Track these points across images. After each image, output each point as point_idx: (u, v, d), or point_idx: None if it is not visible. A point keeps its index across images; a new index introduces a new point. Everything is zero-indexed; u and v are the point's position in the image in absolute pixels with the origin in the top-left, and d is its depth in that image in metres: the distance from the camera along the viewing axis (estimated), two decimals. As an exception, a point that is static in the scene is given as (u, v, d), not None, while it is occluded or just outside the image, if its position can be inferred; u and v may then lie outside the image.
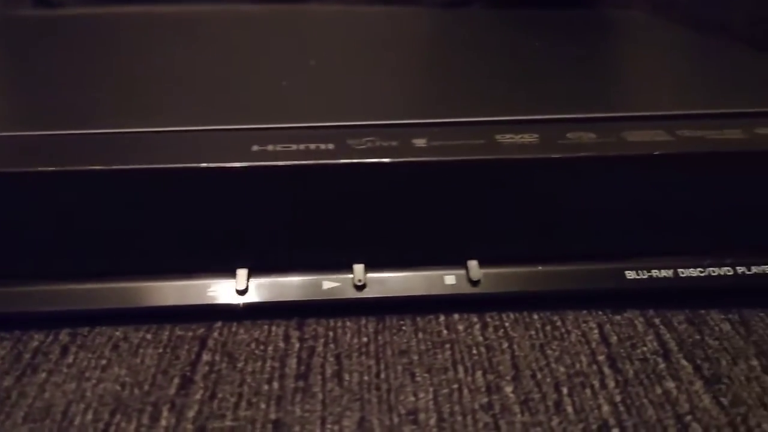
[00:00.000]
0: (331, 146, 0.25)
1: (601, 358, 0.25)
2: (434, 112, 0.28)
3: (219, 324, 0.26)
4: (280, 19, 0.51)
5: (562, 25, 0.48)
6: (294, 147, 0.25)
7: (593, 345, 0.26)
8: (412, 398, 0.23)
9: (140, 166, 0.24)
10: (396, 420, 0.22)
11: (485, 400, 0.23)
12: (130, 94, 0.32)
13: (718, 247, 0.27)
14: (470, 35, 0.45)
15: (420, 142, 0.26)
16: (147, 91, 0.32)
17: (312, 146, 0.25)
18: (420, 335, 0.26)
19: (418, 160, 0.25)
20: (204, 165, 0.25)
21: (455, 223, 0.26)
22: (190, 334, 0.26)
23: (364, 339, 0.25)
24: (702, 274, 0.27)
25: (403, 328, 0.26)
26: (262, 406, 0.22)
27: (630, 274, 0.27)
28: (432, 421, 0.22)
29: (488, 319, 0.27)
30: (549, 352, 0.25)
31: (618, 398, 0.23)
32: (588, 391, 0.23)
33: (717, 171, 0.26)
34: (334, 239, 0.26)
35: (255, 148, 0.25)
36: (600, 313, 0.27)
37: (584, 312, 0.27)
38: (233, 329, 0.26)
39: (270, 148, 0.25)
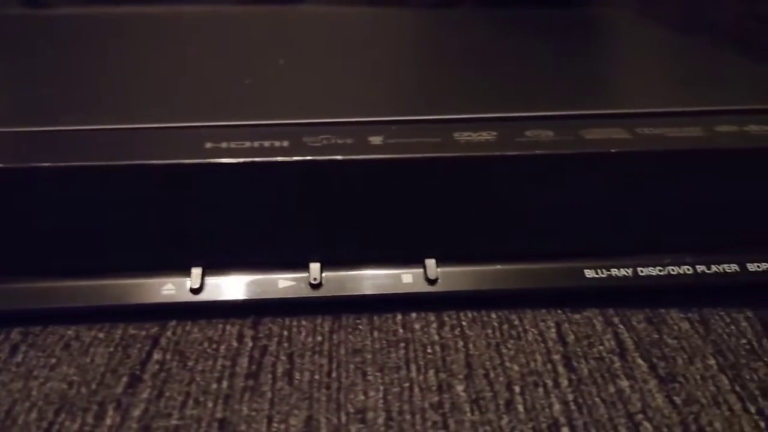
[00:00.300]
0: (285, 143, 0.25)
1: (556, 357, 0.25)
2: (393, 110, 0.28)
3: (173, 323, 0.26)
4: (262, 21, 0.51)
5: (543, 24, 0.48)
6: (248, 144, 0.25)
7: (549, 344, 0.25)
8: (362, 397, 0.23)
9: (92, 164, 0.24)
10: (344, 419, 0.22)
11: (435, 398, 0.23)
12: (90, 93, 0.32)
13: (678, 246, 0.27)
14: (446, 35, 0.45)
15: (376, 140, 0.26)
16: (108, 89, 0.32)
17: (266, 143, 0.25)
18: (375, 334, 0.26)
19: (371, 158, 0.25)
20: (156, 162, 0.24)
21: (412, 222, 0.26)
22: (143, 332, 0.25)
23: (319, 338, 0.25)
24: (661, 273, 0.27)
25: (359, 327, 0.26)
26: (209, 405, 0.22)
27: (589, 273, 0.27)
28: (380, 420, 0.22)
29: (446, 318, 0.26)
30: (504, 350, 0.25)
31: (570, 397, 0.23)
32: (540, 390, 0.23)
33: (676, 169, 0.26)
34: (289, 237, 0.26)
35: (208, 145, 0.25)
36: (559, 311, 0.27)
37: (543, 311, 0.27)
38: (187, 328, 0.26)
39: (224, 145, 0.25)
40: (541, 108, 0.28)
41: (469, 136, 0.26)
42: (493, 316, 0.27)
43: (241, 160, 0.24)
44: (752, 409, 0.23)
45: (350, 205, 0.25)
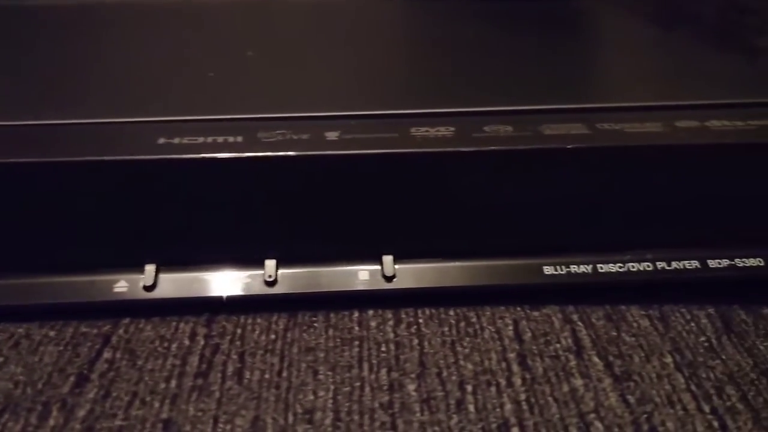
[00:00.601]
0: (239, 139, 0.25)
1: (511, 355, 0.25)
2: (353, 105, 0.28)
3: (127, 321, 0.26)
4: (243, 11, 0.50)
5: (525, 17, 0.47)
6: (201, 140, 0.25)
7: (506, 342, 0.25)
8: (311, 397, 0.22)
9: (40, 160, 0.24)
10: (291, 419, 0.22)
11: (386, 398, 0.22)
12: (42, 87, 0.31)
13: (639, 243, 0.27)
14: (424, 28, 0.44)
15: (332, 135, 0.25)
16: (62, 83, 0.31)
17: (220, 139, 0.25)
18: (330, 332, 0.25)
19: (324, 154, 0.24)
20: (107, 158, 0.24)
21: (369, 218, 0.26)
22: (96, 331, 0.25)
23: (272, 336, 0.25)
24: (621, 270, 0.27)
25: (315, 324, 0.26)
26: (156, 405, 0.22)
27: (548, 270, 0.27)
28: (328, 421, 0.22)
29: (403, 315, 0.26)
30: (459, 349, 0.25)
31: (523, 396, 0.23)
32: (493, 389, 0.23)
33: (635, 165, 0.26)
34: (244, 234, 0.25)
35: (161, 140, 0.25)
36: (518, 309, 0.27)
37: (502, 308, 0.27)
38: (140, 326, 0.25)
39: (176, 141, 0.25)
40: (503, 103, 0.28)
41: (427, 131, 0.26)
42: (451, 313, 0.26)
43: (192, 156, 0.24)
44: (706, 409, 0.23)
45: (305, 202, 0.25)
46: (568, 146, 0.25)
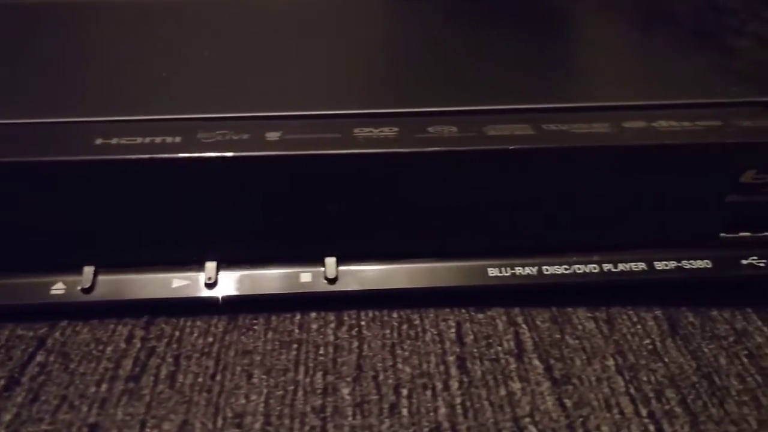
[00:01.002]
0: (178, 139, 0.25)
1: (451, 358, 0.24)
2: (297, 105, 0.27)
3: (64, 323, 0.25)
4: (213, 7, 0.49)
5: (477, 15, 0.47)
6: (139, 140, 0.24)
7: (447, 345, 0.25)
8: (243, 401, 0.22)
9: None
10: (220, 423, 0.21)
11: (319, 402, 0.22)
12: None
13: (585, 245, 0.27)
14: (370, 28, 0.43)
15: (273, 136, 0.25)
16: (3, 80, 0.31)
17: (158, 139, 0.24)
18: (270, 335, 0.25)
19: (261, 155, 0.24)
20: (43, 159, 0.24)
21: (312, 219, 0.25)
22: (31, 333, 0.25)
23: (210, 339, 0.25)
24: (567, 272, 0.26)
25: (255, 327, 0.25)
26: (84, 409, 0.22)
27: (492, 272, 0.26)
28: (257, 425, 0.21)
29: (345, 318, 0.26)
30: (399, 352, 0.24)
31: (458, 400, 0.22)
32: (428, 392, 0.23)
33: (581, 165, 0.25)
34: (184, 235, 0.25)
35: (98, 141, 0.24)
36: (463, 311, 0.27)
37: (447, 310, 0.27)
38: (77, 329, 0.25)
39: (114, 141, 0.24)
40: (450, 103, 0.27)
41: (371, 132, 0.25)
42: (395, 315, 0.26)
43: (127, 156, 0.24)
44: (644, 413, 0.22)
45: (245, 203, 0.25)
46: (510, 147, 0.25)
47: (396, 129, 0.26)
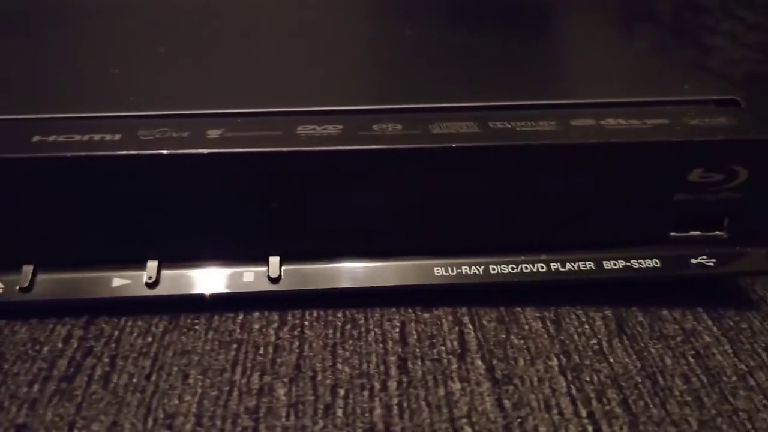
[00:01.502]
0: (117, 137, 0.24)
1: (392, 358, 0.24)
2: (241, 102, 0.27)
3: (2, 323, 0.25)
4: (169, 6, 0.49)
5: (432, 11, 0.46)
6: (77, 138, 0.24)
7: (389, 344, 0.25)
8: (176, 401, 0.22)
9: None
10: (150, 424, 0.21)
11: (253, 403, 0.22)
12: None
13: (533, 243, 0.26)
14: (323, 24, 0.43)
15: (214, 133, 0.25)
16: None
17: (97, 137, 0.24)
18: (210, 335, 0.25)
19: (197, 152, 0.24)
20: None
21: (255, 218, 0.25)
22: (-32, 333, 0.24)
23: (149, 339, 0.24)
24: (514, 271, 0.26)
25: (196, 327, 0.25)
26: (13, 409, 0.21)
27: (438, 271, 0.26)
28: (188, 426, 0.21)
29: (289, 318, 0.26)
30: (340, 352, 0.24)
31: (395, 401, 0.22)
32: (366, 393, 0.22)
33: (527, 164, 0.25)
34: (124, 234, 0.25)
35: (35, 138, 0.24)
36: (410, 310, 0.26)
37: (393, 309, 0.26)
38: (15, 328, 0.25)
39: (51, 138, 0.24)
40: (397, 101, 0.27)
41: (314, 129, 0.25)
42: (339, 315, 0.26)
43: (65, 154, 0.23)
44: (583, 413, 0.22)
45: (186, 201, 0.25)
46: (453, 145, 0.24)
47: (340, 127, 0.25)
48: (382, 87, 0.29)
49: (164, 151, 0.23)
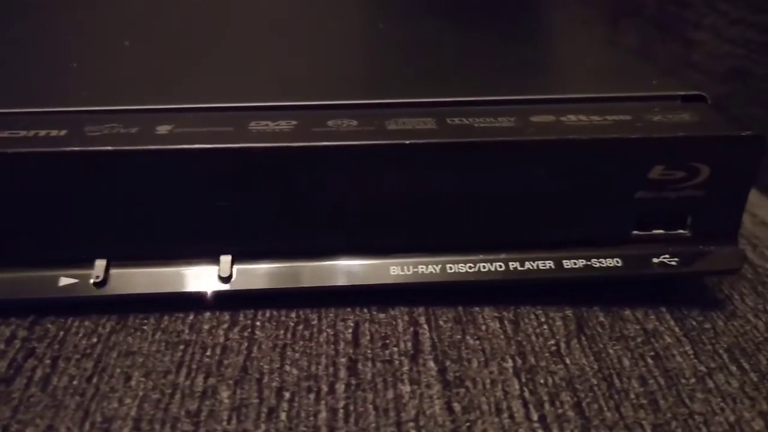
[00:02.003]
0: (63, 132, 0.24)
1: (342, 360, 0.23)
2: (194, 98, 0.26)
3: (-53, 323, 0.24)
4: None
5: (411, 8, 0.46)
6: (22, 133, 0.24)
7: (341, 345, 0.24)
8: (116, 404, 0.21)
9: None
10: (87, 428, 0.20)
11: (195, 406, 0.21)
12: None
13: (491, 242, 0.26)
14: (294, 18, 0.42)
15: (163, 129, 0.24)
16: None
17: (42, 133, 0.24)
18: (158, 335, 0.24)
19: (144, 149, 0.23)
20: None
21: (206, 216, 0.25)
22: None
23: (94, 339, 0.24)
24: (472, 270, 0.26)
25: (144, 327, 0.25)
26: (-53, 413, 0.21)
27: (394, 270, 0.25)
28: (126, 430, 0.20)
29: (241, 318, 0.25)
30: (289, 353, 0.24)
31: (341, 404, 0.22)
32: (312, 396, 0.22)
33: (485, 161, 0.25)
34: (71, 232, 0.24)
35: (-22, 134, 0.23)
36: (365, 310, 0.26)
37: (348, 309, 0.26)
38: (-41, 329, 0.24)
39: (-5, 134, 0.23)
40: (355, 96, 0.27)
41: (267, 125, 0.24)
42: (293, 315, 0.25)
43: (8, 150, 0.23)
44: (535, 417, 0.22)
45: (134, 198, 0.24)
46: (407, 142, 0.24)
47: (294, 122, 0.25)
48: (341, 82, 0.29)
49: (109, 148, 0.23)
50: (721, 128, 0.25)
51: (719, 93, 0.52)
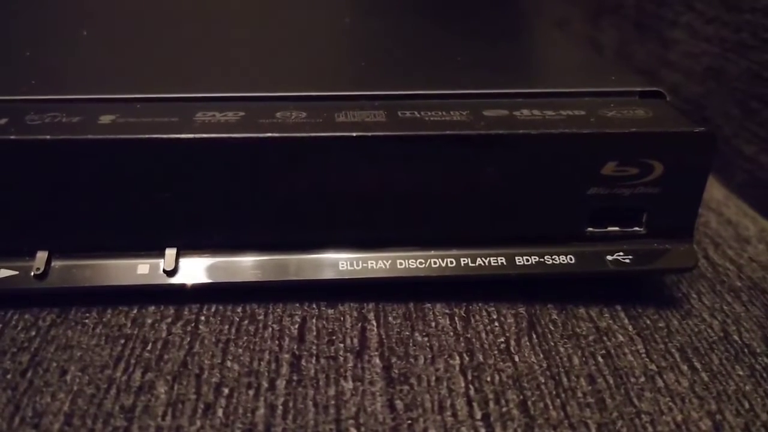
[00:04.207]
0: (3, 121, 0.23)
1: (286, 355, 0.23)
2: (142, 88, 0.26)
3: None
4: None
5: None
6: (-40, 122, 0.23)
7: (285, 341, 0.24)
8: (48, 399, 0.21)
9: None
10: (17, 423, 0.20)
11: (130, 401, 0.21)
12: None
13: (443, 237, 0.25)
14: (248, 8, 0.42)
15: (106, 119, 0.24)
16: None
17: (-18, 121, 0.23)
18: (99, 329, 0.24)
19: (84, 138, 0.22)
20: None
21: (149, 208, 0.24)
22: None
23: (33, 333, 0.23)
24: (422, 266, 0.25)
25: (86, 321, 0.24)
26: None
27: (343, 265, 0.25)
28: (56, 426, 0.20)
29: (185, 312, 0.25)
30: (232, 348, 0.23)
31: (281, 401, 0.21)
32: (251, 392, 0.21)
33: (435, 154, 0.24)
34: (11, 223, 0.24)
35: None
36: (313, 306, 0.25)
37: (296, 305, 0.25)
38: None
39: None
40: (306, 88, 0.26)
41: (213, 116, 0.24)
42: (239, 310, 0.25)
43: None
44: (478, 415, 0.21)
45: (75, 189, 0.23)
46: (353, 134, 0.23)
47: (242, 113, 0.24)
48: (294, 74, 0.28)
49: (46, 137, 0.22)
50: (673, 125, 0.24)
51: (696, 92, 0.52)
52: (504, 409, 0.22)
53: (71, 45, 0.32)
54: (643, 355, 0.24)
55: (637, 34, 0.67)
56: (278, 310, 0.25)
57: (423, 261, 0.25)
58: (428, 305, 0.26)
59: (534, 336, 0.25)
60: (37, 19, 0.37)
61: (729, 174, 0.44)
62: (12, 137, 0.22)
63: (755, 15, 0.44)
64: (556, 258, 0.26)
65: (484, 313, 0.26)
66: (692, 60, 0.57)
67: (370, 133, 0.23)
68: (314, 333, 0.24)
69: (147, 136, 0.23)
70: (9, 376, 0.21)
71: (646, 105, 0.26)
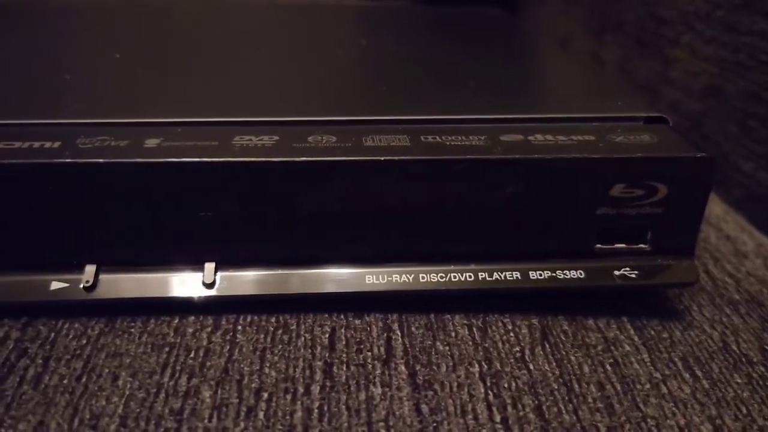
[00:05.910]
0: (57, 144, 0.25)
1: (318, 363, 0.25)
2: (182, 112, 0.28)
3: (-58, 324, 0.26)
4: (120, 12, 0.49)
5: (380, 22, 0.47)
6: (17, 144, 0.25)
7: (317, 350, 0.26)
8: (103, 402, 0.23)
9: None
10: (76, 424, 0.22)
11: (178, 404, 0.23)
12: None
13: (462, 253, 0.27)
14: (276, 33, 0.44)
15: (152, 143, 0.25)
16: None
17: (37, 144, 0.25)
18: (144, 338, 0.26)
19: (134, 162, 0.24)
20: None
21: (191, 225, 0.26)
22: None
23: (84, 341, 0.25)
24: (443, 279, 0.27)
25: (132, 330, 0.26)
26: (-56, 409, 0.22)
27: (369, 279, 0.27)
28: (113, 427, 0.22)
29: (223, 323, 0.26)
30: (269, 356, 0.25)
31: (316, 404, 0.23)
32: (289, 397, 0.23)
33: (457, 177, 0.26)
34: (63, 239, 0.26)
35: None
36: (342, 317, 0.27)
37: (325, 315, 0.27)
38: (-46, 330, 0.25)
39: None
40: (334, 113, 0.28)
41: (250, 140, 0.26)
42: (273, 320, 0.27)
43: (4, 161, 0.24)
44: (497, 419, 0.23)
45: (125, 207, 0.25)
46: (382, 158, 0.25)
47: (276, 138, 0.26)
48: (322, 99, 0.30)
49: (100, 160, 0.24)
50: (676, 150, 0.26)
51: (696, 110, 0.54)
52: (521, 413, 0.23)
53: (106, 68, 0.34)
54: (648, 364, 0.26)
55: (639, 51, 0.69)
56: (309, 320, 0.27)
57: (443, 275, 0.27)
58: (448, 316, 0.28)
59: (547, 345, 0.27)
60: (67, 43, 0.39)
61: (727, 189, 0.46)
62: (68, 161, 0.24)
63: (753, 37, 0.46)
64: (567, 273, 0.28)
65: (500, 324, 0.27)
66: (692, 78, 0.59)
67: (397, 158, 0.25)
68: (344, 342, 0.26)
69: (192, 159, 0.25)
70: (65, 381, 0.23)
71: (651, 130, 0.28)
